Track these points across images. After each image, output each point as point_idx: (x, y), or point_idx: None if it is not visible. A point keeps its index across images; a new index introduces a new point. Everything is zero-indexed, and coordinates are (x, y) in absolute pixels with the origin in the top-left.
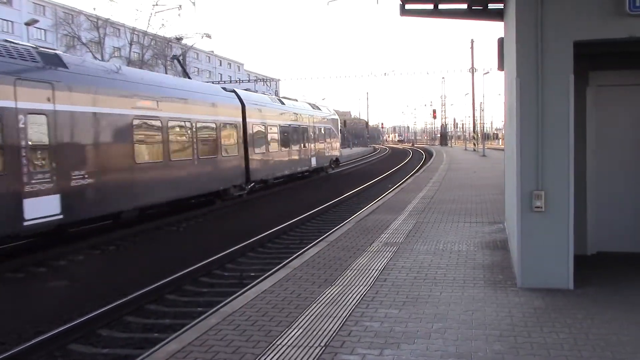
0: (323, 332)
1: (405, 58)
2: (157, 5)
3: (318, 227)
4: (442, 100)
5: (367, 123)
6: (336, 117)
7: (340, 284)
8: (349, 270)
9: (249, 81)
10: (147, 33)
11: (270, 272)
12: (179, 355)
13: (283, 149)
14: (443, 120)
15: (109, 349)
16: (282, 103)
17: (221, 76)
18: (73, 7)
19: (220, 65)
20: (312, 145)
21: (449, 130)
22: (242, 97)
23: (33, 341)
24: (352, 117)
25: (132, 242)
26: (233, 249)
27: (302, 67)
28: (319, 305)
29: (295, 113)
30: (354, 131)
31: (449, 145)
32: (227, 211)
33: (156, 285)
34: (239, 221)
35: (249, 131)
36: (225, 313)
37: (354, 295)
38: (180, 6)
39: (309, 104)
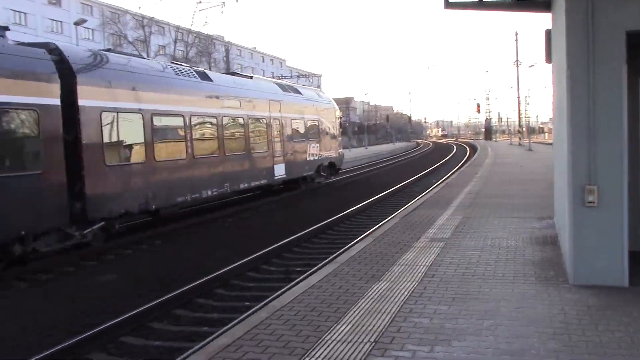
0: (372, 328)
1: (449, 52)
2: (200, 2)
3: (363, 223)
4: (486, 94)
5: (409, 118)
6: (332, 106)
7: (387, 279)
8: (396, 266)
9: (291, 77)
10: (191, 31)
11: (317, 267)
12: (230, 349)
13: (199, 154)
14: (487, 114)
15: (161, 342)
16: (208, 79)
17: (264, 72)
18: (119, 6)
19: (263, 61)
20: (278, 146)
21: (494, 124)
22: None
23: (87, 333)
24: (395, 111)
25: (180, 237)
26: (279, 244)
27: (344, 63)
28: (367, 300)
29: (236, 97)
30: (396, 126)
31: (494, 139)
32: (273, 207)
33: (204, 279)
34: (285, 216)
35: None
36: (274, 308)
37: (402, 291)
38: (223, 3)
39: (279, 84)
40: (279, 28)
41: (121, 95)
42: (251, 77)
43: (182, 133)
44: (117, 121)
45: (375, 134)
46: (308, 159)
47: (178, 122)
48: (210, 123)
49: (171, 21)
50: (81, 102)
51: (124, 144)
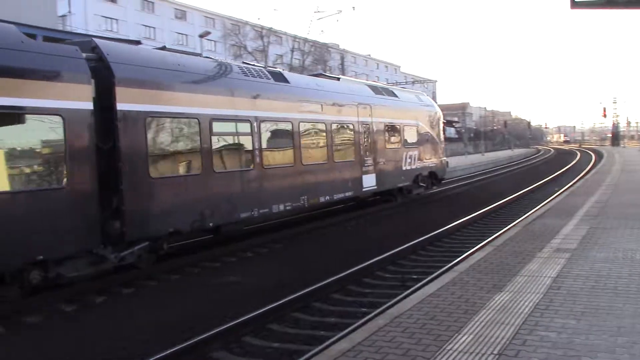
0: (495, 340)
1: (573, 54)
2: (318, 12)
3: (481, 231)
4: (613, 97)
5: (529, 123)
6: (433, 110)
7: (510, 290)
8: (518, 277)
9: (405, 83)
10: (308, 40)
11: (434, 275)
12: (349, 354)
13: (270, 164)
14: (614, 119)
15: (279, 344)
16: (283, 80)
17: (378, 79)
18: (240, 18)
19: (378, 68)
20: (367, 155)
21: (621, 129)
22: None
23: (211, 332)
24: (513, 117)
25: (297, 242)
26: (394, 251)
27: (460, 68)
28: (489, 311)
29: (317, 100)
30: (515, 132)
31: (621, 145)
32: (383, 214)
33: (321, 284)
34: (397, 225)
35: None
36: (392, 315)
37: (526, 303)
38: (340, 11)
39: (372, 86)
40: (394, 34)
41: (173, 98)
42: (338, 79)
43: (248, 140)
44: (167, 128)
45: (492, 140)
46: (404, 168)
47: (243, 128)
48: (284, 129)
49: (289, 31)
50: (120, 105)
51: (175, 154)
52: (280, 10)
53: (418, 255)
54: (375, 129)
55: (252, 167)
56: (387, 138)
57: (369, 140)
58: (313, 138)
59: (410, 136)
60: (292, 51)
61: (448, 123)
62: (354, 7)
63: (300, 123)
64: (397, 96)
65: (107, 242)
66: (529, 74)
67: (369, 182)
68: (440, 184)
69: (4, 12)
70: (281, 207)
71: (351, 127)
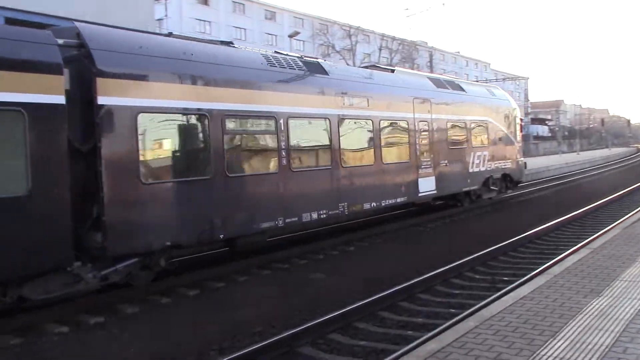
0: (593, 347)
1: None
2: (407, 9)
3: (576, 233)
4: None
5: (628, 121)
6: (508, 105)
7: (608, 295)
8: (618, 281)
9: (495, 80)
10: (396, 38)
11: (527, 278)
12: (438, 355)
13: (300, 166)
14: None
15: (366, 342)
16: (321, 71)
17: (467, 76)
18: (328, 18)
19: (467, 65)
20: (425, 155)
21: None
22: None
23: (299, 328)
24: (611, 114)
25: (381, 242)
26: (485, 251)
27: (553, 64)
28: (586, 316)
29: (362, 94)
30: (612, 130)
31: None
32: (471, 214)
33: (408, 283)
34: (488, 224)
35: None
36: (483, 317)
37: (627, 309)
38: (429, 8)
39: (432, 79)
40: (484, 30)
41: (171, 90)
42: (392, 70)
43: (272, 139)
44: (166, 125)
45: (588, 139)
46: (471, 170)
47: (267, 125)
48: (319, 126)
49: (376, 29)
50: (102, 99)
51: (178, 155)
52: (368, 8)
53: (508, 257)
54: (435, 126)
55: (277, 169)
56: (450, 137)
57: (428, 139)
58: (356, 136)
59: (479, 134)
60: (380, 49)
61: (540, 121)
62: (443, 3)
63: (341, 119)
64: (463, 90)
65: (86, 258)
66: (629, 69)
67: (427, 186)
68: (516, 187)
69: (102, 17)
70: (314, 215)
71: (405, 124)
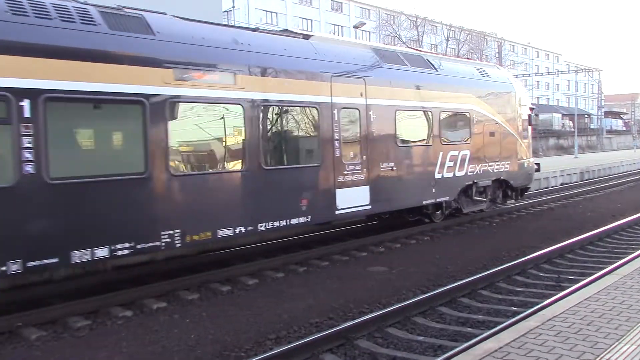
0: None
1: None
2: None
3: None
4: None
5: None
6: (507, 90)
7: None
8: None
9: (568, 72)
10: (464, 28)
11: (594, 277)
12: (496, 355)
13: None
14: None
15: (424, 337)
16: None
17: (538, 68)
18: (394, 8)
19: (538, 56)
20: (353, 156)
21: None
22: None
23: (356, 320)
24: None
25: (445, 235)
26: (550, 248)
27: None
28: None
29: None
30: None
31: None
32: (539, 209)
33: (470, 279)
34: (555, 218)
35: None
36: (544, 317)
37: None
38: None
39: (374, 49)
40: (556, 21)
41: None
42: (308, 37)
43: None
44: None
45: None
46: (438, 175)
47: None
48: (119, 116)
49: (444, 19)
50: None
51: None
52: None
53: (576, 255)
54: (373, 115)
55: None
56: (401, 130)
57: (358, 133)
58: (210, 128)
59: (455, 127)
60: (447, 40)
61: (614, 114)
62: None
63: (172, 103)
64: (432, 67)
65: None
66: None
67: (354, 198)
68: (521, 196)
69: (169, 9)
70: (236, 229)
71: (313, 112)
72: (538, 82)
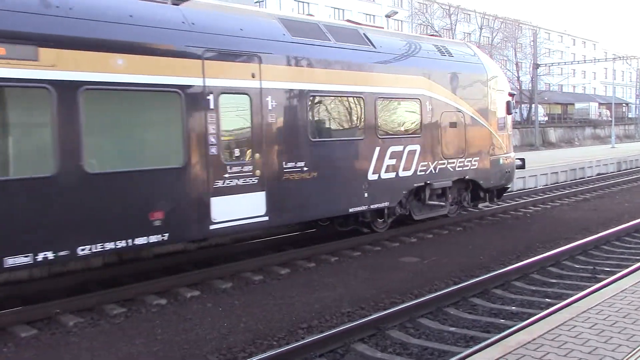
0: None
1: None
2: None
3: None
4: None
5: None
6: (479, 70)
7: None
8: None
9: (605, 60)
10: (498, 16)
11: (630, 270)
12: (529, 347)
13: None
14: None
15: (456, 328)
16: None
17: (574, 56)
18: None
19: (574, 44)
20: (238, 155)
21: None
22: None
23: (388, 310)
24: None
25: (479, 226)
26: (586, 240)
27: None
28: None
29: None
30: None
31: None
32: (575, 200)
33: (503, 270)
34: (590, 210)
35: None
36: (579, 309)
37: None
38: None
39: (286, 20)
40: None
41: None
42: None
43: None
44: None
45: None
46: (373, 176)
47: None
48: None
49: (477, 8)
50: None
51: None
52: None
53: (612, 246)
54: (272, 102)
55: None
56: (314, 121)
57: (249, 125)
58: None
59: (398, 117)
60: (481, 29)
61: None
62: None
63: None
64: (368, 43)
65: None
66: None
67: (241, 208)
68: (498, 197)
69: None
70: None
71: (173, 97)
72: (574, 70)
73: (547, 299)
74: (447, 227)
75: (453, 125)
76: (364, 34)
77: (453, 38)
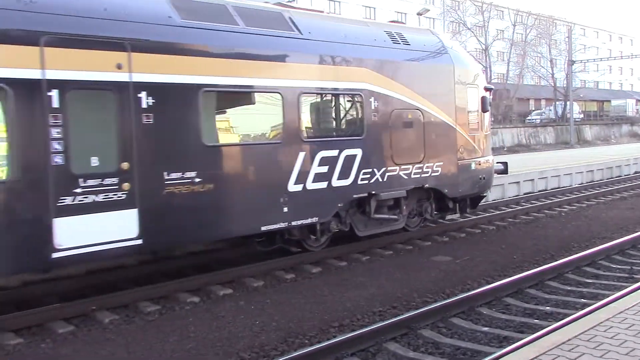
0: None
1: None
2: None
3: None
4: None
5: None
6: (445, 61)
7: None
8: None
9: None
10: (532, 13)
11: None
12: (564, 347)
13: None
14: None
15: (489, 328)
16: None
17: (610, 52)
18: None
19: (610, 40)
20: (106, 163)
21: None
22: None
23: (420, 310)
24: None
25: (512, 225)
26: (623, 239)
27: None
28: None
29: None
30: None
31: None
32: (611, 198)
33: (537, 270)
34: (627, 209)
35: None
36: (616, 309)
37: None
38: None
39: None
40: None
41: None
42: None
43: None
44: None
45: None
46: (294, 187)
47: None
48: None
49: (511, 5)
50: None
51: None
52: None
53: None
54: (144, 99)
55: None
56: (207, 121)
57: (114, 129)
58: None
59: (331, 116)
60: (514, 25)
61: None
62: None
63: None
64: (295, 29)
65: None
66: None
67: (99, 231)
68: (472, 207)
69: None
70: None
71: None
72: (610, 66)
73: (582, 299)
74: (480, 226)
75: (408, 125)
76: (289, 17)
77: (486, 35)
